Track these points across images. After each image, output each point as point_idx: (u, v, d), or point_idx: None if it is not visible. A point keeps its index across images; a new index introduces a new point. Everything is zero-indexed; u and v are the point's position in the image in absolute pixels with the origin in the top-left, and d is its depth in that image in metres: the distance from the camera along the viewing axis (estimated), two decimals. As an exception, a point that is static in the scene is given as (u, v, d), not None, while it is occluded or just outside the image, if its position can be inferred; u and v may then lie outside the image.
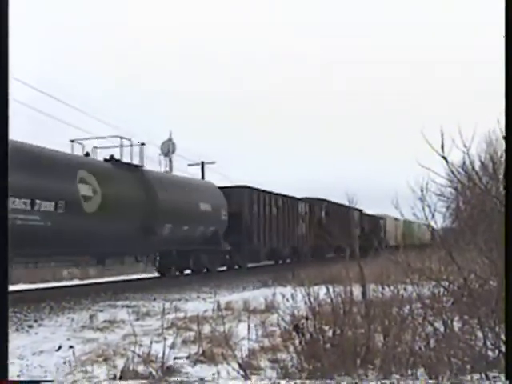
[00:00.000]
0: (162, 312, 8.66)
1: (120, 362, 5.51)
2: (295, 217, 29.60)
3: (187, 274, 20.41)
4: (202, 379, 5.03)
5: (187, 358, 5.91)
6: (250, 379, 4.68)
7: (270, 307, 9.19)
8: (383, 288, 5.86)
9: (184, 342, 6.63)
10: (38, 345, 7.00)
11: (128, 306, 11.27)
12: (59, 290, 14.97)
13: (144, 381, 4.78)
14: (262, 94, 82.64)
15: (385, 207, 41.10)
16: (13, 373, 5.34)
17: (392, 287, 5.87)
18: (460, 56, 71.91)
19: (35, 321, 9.50)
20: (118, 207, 15.33)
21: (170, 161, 32.00)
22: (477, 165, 6.26)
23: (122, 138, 17.46)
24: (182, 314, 8.89)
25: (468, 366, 4.66)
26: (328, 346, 5.04)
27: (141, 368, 5.19)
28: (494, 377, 4.45)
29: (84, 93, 53.43)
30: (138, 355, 5.33)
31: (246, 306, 9.89)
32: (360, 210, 40.49)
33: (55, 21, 54.08)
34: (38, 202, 12.38)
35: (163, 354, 5.27)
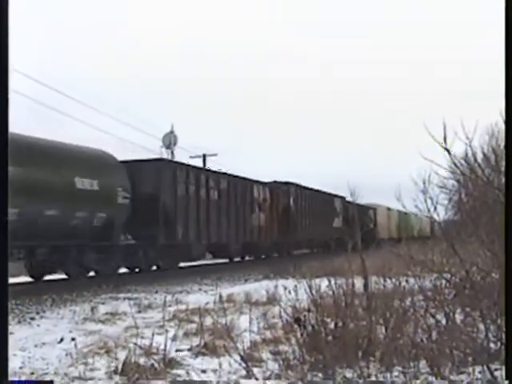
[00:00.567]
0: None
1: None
2: (248, 204, 23.49)
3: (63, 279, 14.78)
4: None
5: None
6: (252, 371, 4.68)
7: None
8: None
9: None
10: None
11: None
12: None
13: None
14: (262, 93, 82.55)
15: (387, 201, 40.98)
16: (15, 364, 5.35)
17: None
18: (460, 56, 71.85)
19: None
20: None
21: (172, 153, 32.05)
22: (479, 157, 6.25)
23: None
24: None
25: (470, 359, 4.67)
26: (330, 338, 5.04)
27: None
28: (496, 369, 4.45)
29: (84, 92, 53.47)
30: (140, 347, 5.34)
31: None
32: (343, 198, 35.75)
33: (55, 21, 54.01)
34: None
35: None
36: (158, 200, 17.22)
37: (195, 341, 6.20)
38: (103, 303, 10.61)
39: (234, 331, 6.18)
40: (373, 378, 4.52)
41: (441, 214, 6.18)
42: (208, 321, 6.72)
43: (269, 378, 4.66)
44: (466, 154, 5.84)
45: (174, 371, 5.11)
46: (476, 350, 4.64)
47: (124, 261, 16.48)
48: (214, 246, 21.56)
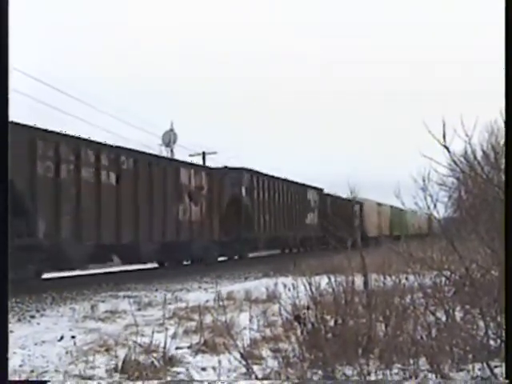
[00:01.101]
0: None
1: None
2: (172, 192, 17.77)
3: None
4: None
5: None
6: (251, 369, 4.68)
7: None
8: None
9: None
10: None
11: None
12: None
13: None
14: (262, 93, 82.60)
15: (387, 200, 40.69)
16: (14, 362, 5.35)
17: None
18: (460, 56, 71.92)
19: None
20: None
21: (172, 151, 32.08)
22: (479, 154, 6.26)
23: None
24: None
25: (470, 356, 4.67)
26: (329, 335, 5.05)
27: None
28: (496, 366, 4.46)
29: (84, 92, 53.51)
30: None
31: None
32: (319, 190, 31.61)
33: (55, 21, 54.06)
34: None
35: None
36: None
37: (195, 338, 6.21)
38: (103, 301, 10.62)
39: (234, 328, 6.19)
40: (372, 375, 4.53)
41: (440, 212, 6.19)
42: (208, 318, 6.72)
43: (268, 376, 4.66)
44: (466, 152, 5.85)
45: (174, 369, 5.12)
46: (476, 348, 4.65)
47: None
48: (101, 249, 14.89)
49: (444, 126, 4.74)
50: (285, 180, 27.41)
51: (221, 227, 20.67)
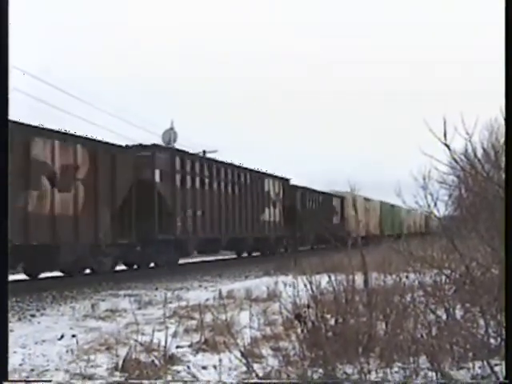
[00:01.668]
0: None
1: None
2: (21, 174, 11.92)
3: None
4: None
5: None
6: (252, 367, 4.68)
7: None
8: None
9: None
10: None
11: None
12: None
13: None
14: (262, 93, 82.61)
15: (387, 199, 40.45)
16: (15, 361, 5.35)
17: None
18: (460, 56, 71.92)
19: None
20: None
21: (171, 150, 31.89)
22: (479, 152, 6.25)
23: None
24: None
25: (470, 354, 4.67)
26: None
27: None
28: (496, 364, 4.46)
29: (84, 91, 53.56)
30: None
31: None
32: (283, 180, 26.09)
33: (55, 21, 54.06)
34: None
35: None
36: None
37: (195, 337, 6.20)
38: (103, 300, 10.62)
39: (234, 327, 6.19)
40: (373, 374, 4.53)
41: (441, 210, 6.18)
42: (208, 317, 6.72)
43: (269, 374, 4.66)
44: (466, 150, 5.85)
45: (175, 367, 5.12)
46: (476, 346, 4.65)
47: None
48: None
49: (445, 124, 4.74)
50: (229, 164, 21.36)
51: (123, 225, 15.28)
